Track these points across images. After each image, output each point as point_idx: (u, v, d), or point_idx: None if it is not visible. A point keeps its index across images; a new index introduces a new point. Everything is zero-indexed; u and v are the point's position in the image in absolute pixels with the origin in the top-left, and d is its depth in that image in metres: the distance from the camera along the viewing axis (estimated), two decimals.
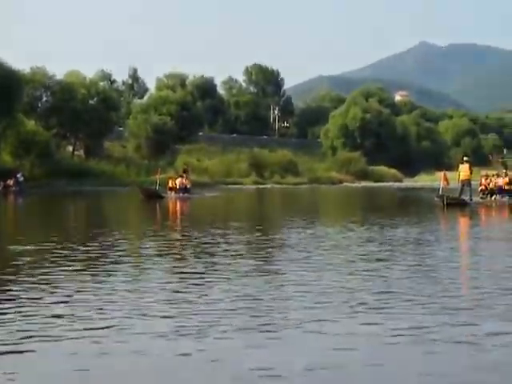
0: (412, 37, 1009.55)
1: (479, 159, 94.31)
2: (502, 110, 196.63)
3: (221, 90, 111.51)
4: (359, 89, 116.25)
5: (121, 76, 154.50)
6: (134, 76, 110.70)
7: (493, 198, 31.99)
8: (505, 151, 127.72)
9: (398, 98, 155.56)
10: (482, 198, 31.79)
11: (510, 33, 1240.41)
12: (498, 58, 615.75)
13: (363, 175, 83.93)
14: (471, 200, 29.91)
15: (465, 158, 31.75)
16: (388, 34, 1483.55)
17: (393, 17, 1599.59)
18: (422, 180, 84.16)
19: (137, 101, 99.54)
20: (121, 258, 12.19)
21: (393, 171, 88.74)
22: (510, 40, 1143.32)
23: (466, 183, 30.15)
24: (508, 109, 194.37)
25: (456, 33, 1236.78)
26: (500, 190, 32.10)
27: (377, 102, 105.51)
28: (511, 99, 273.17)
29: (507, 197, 32.14)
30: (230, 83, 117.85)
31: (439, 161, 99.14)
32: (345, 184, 76.32)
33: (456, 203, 28.21)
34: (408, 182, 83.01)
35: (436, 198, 29.01)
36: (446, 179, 29.79)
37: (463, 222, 23.19)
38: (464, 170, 30.43)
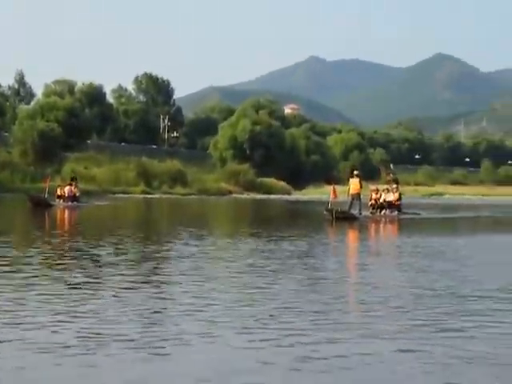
0: (301, 51, 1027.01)
1: (368, 173, 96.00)
2: (388, 125, 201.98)
3: (110, 99, 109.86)
4: (249, 100, 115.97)
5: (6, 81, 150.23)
6: (21, 81, 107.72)
7: (382, 212, 32.07)
8: (391, 166, 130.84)
9: (287, 110, 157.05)
10: (371, 212, 31.82)
11: (397, 50, 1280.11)
12: (386, 74, 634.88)
13: (252, 187, 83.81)
14: (360, 214, 30.05)
15: (355, 172, 31.81)
16: (278, 47, 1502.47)
17: (282, 30, 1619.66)
18: (311, 193, 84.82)
19: (23, 106, 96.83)
20: None
21: (281, 183, 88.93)
22: (395, 57, 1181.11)
23: (356, 197, 30.22)
24: (394, 124, 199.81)
25: (344, 48, 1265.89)
26: (390, 205, 32.24)
27: (267, 114, 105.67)
28: (398, 115, 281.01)
29: (396, 212, 32.34)
30: (119, 91, 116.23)
31: (328, 174, 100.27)
32: (234, 195, 76.17)
33: (345, 217, 28.22)
34: (297, 195, 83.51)
35: (325, 212, 28.93)
36: (334, 193, 29.81)
37: (352, 236, 23.13)
38: (354, 183, 30.54)
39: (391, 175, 35.58)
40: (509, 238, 23.19)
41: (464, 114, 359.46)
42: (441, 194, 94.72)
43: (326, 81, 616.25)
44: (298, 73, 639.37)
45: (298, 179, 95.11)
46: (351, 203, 30.26)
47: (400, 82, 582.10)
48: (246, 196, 75.72)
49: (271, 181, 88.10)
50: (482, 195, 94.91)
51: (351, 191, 30.43)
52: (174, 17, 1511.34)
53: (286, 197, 78.66)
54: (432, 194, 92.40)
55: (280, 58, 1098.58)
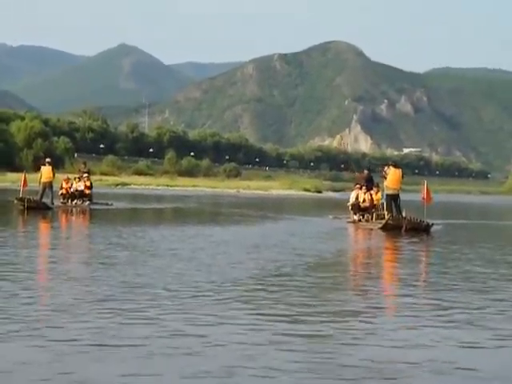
0: None
1: (53, 162, 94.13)
2: (72, 113, 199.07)
3: None
4: None
5: None
6: None
7: (74, 202, 31.67)
8: (76, 155, 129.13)
9: None
10: (62, 202, 31.28)
11: (80, 38, 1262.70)
12: (67, 61, 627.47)
13: None
14: (53, 204, 29.37)
15: (47, 160, 30.96)
16: None
17: None
18: None
19: None
20: None
21: None
22: (79, 45, 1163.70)
23: (48, 186, 29.48)
24: (78, 112, 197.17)
25: (27, 35, 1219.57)
26: (81, 195, 31.92)
27: None
28: (82, 103, 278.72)
29: (88, 202, 32.07)
30: None
31: (11, 162, 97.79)
32: None
33: (38, 207, 27.51)
34: None
35: (16, 201, 27.96)
36: (25, 181, 28.95)
37: (44, 227, 22.63)
38: (46, 171, 29.67)
39: (84, 166, 34.78)
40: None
41: (148, 106, 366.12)
42: (126, 184, 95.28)
43: (10, 66, 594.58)
44: None
45: None
46: (43, 192, 29.52)
47: (83, 70, 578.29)
48: None
49: None
50: (167, 186, 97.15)
51: (43, 179, 29.63)
52: None
53: None
54: (118, 184, 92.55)
55: None
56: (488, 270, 13.08)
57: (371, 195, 25.47)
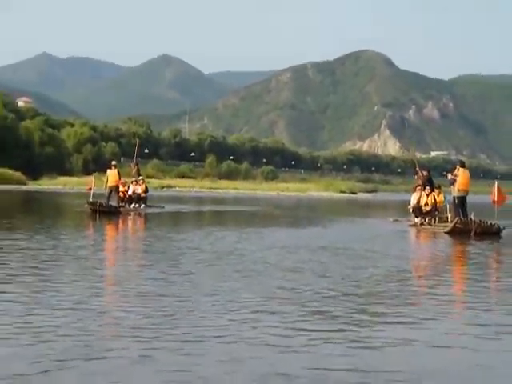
0: (33, 47, 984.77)
1: (101, 166, 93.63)
2: (119, 120, 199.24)
3: None
4: None
5: None
6: None
7: (132, 206, 30.00)
8: (122, 159, 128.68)
9: (20, 103, 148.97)
10: (120, 205, 29.46)
11: (125, 49, 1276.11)
12: (112, 71, 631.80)
13: None
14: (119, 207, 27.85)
15: (113, 163, 29.36)
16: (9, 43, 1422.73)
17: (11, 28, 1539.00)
18: (46, 184, 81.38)
19: None
20: None
21: (18, 174, 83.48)
22: (123, 56, 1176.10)
23: (114, 189, 27.90)
24: (124, 119, 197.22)
25: (76, 47, 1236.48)
26: (139, 198, 30.24)
27: (1, 106, 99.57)
28: (128, 111, 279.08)
29: (143, 205, 30.39)
30: None
31: (62, 166, 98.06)
32: None
33: (108, 211, 25.90)
34: (33, 186, 79.00)
35: (87, 205, 26.28)
36: (91, 184, 27.84)
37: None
38: (112, 175, 28.04)
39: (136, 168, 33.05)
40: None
41: (188, 113, 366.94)
42: (171, 187, 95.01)
43: (59, 78, 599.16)
44: (29, 68, 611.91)
45: (32, 170, 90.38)
46: (109, 195, 27.95)
47: (128, 80, 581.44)
48: None
49: (6, 172, 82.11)
50: (210, 188, 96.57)
51: (109, 183, 28.01)
52: None
53: (24, 187, 73.75)
54: (163, 187, 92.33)
55: (10, 53, 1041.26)
56: None
57: (434, 197, 23.38)
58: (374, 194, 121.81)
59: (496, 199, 20.63)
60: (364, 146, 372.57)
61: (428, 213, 23.28)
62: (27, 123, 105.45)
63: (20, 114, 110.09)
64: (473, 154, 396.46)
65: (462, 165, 21.27)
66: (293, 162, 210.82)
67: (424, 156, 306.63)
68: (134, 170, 32.98)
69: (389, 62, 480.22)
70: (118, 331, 6.65)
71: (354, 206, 55.69)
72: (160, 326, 6.85)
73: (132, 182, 30.66)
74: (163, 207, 32.98)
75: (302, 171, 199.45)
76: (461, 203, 20.66)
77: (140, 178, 31.24)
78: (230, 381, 5.23)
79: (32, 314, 7.26)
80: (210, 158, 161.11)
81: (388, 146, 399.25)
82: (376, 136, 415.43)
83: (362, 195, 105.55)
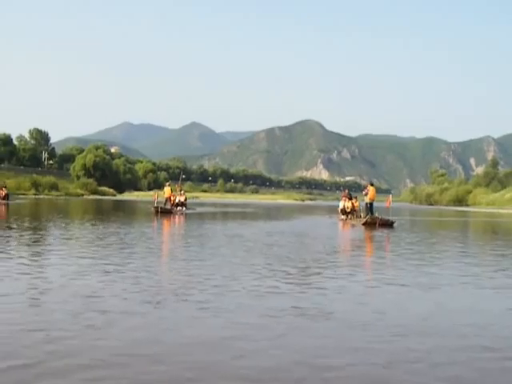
0: (117, 117, 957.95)
1: (158, 185, 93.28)
2: (167, 159, 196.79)
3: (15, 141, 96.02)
4: (91, 145, 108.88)
5: None
6: None
7: (178, 208, 27.42)
8: (169, 182, 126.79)
9: (113, 150, 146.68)
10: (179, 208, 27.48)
11: (171, 117, 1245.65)
12: (162, 131, 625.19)
13: (95, 192, 77.80)
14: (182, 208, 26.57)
15: (167, 183, 27.86)
16: (96, 113, 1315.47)
17: (97, 97, 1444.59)
18: (127, 196, 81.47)
19: None
20: None
21: (111, 190, 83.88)
22: (169, 121, 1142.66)
23: (168, 199, 26.17)
24: (170, 159, 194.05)
25: (148, 115, 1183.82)
26: (181, 204, 28.45)
27: (102, 151, 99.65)
28: (172, 154, 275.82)
29: (184, 208, 28.07)
30: (20, 138, 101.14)
31: (136, 185, 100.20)
32: (85, 197, 68.80)
33: (166, 211, 24.26)
34: (120, 197, 78.25)
35: (153, 208, 24.62)
36: (156, 197, 26.52)
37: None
38: (167, 190, 26.51)
39: (180, 188, 31.99)
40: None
41: (207, 156, 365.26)
42: (197, 197, 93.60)
43: (134, 135, 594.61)
44: (116, 131, 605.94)
45: (119, 188, 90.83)
46: (165, 202, 26.17)
47: (172, 137, 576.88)
48: (91, 197, 68.66)
49: (105, 189, 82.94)
50: (219, 197, 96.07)
51: (165, 195, 26.26)
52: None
53: (114, 198, 72.81)
54: (194, 197, 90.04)
55: (102, 120, 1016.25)
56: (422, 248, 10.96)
57: (352, 203, 23.13)
58: (314, 201, 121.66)
59: (388, 205, 20.53)
60: (308, 174, 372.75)
61: (349, 213, 23.08)
62: (116, 161, 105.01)
63: (112, 156, 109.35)
64: (369, 179, 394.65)
65: (372, 184, 21.05)
66: (267, 183, 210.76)
67: (342, 180, 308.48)
68: (179, 188, 32.43)
69: (321, 126, 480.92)
70: (189, 279, 6.33)
71: (303, 208, 55.09)
72: (203, 277, 6.54)
73: (178, 194, 30.10)
74: (195, 209, 32.46)
75: (273, 188, 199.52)
76: (370, 207, 20.44)
77: (182, 191, 30.69)
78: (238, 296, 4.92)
79: (135, 272, 6.90)
80: (220, 181, 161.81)
81: (321, 174, 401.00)
82: (315, 168, 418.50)
83: (308, 202, 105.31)
